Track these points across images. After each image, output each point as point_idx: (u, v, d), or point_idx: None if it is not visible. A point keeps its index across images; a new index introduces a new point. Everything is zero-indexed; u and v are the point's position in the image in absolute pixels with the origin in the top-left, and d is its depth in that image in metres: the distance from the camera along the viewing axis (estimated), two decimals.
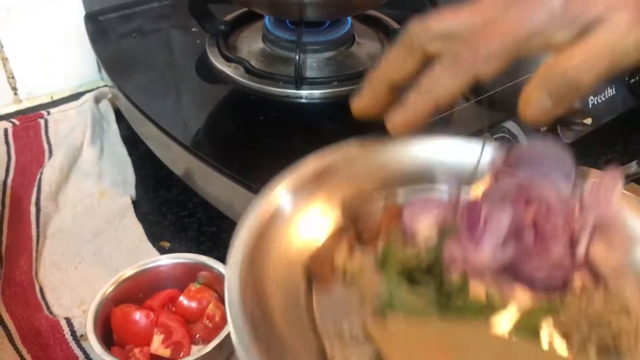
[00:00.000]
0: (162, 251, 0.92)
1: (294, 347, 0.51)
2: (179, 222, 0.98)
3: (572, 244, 0.57)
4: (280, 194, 0.60)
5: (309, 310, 0.56)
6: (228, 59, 1.00)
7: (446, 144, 0.68)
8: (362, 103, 0.65)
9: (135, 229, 0.95)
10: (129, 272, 0.78)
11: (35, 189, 0.99)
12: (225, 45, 1.04)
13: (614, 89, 0.97)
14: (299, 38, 0.94)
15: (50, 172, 1.02)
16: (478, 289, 0.57)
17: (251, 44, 1.06)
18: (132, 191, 1.02)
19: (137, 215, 0.98)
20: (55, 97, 1.29)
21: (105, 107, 1.19)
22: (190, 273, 0.80)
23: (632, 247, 0.58)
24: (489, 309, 0.55)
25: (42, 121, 1.17)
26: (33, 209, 0.95)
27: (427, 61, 0.60)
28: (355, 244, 0.62)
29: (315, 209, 0.63)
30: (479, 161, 0.64)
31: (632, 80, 0.99)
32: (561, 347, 0.53)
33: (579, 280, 0.57)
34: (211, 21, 1.04)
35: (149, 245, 0.93)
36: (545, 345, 0.52)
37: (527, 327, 0.53)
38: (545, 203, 0.57)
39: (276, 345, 0.50)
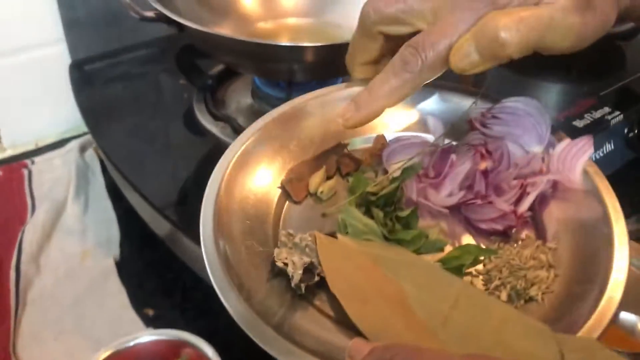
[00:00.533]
0: (146, 319, 0.93)
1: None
2: (164, 286, 0.98)
3: (520, 200, 0.65)
4: (254, 134, 0.70)
5: (275, 226, 0.66)
6: (215, 117, 1.03)
7: (441, 98, 0.77)
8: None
9: (118, 294, 0.96)
10: (109, 350, 0.76)
11: (16, 250, 1.01)
12: (213, 100, 1.08)
13: (612, 144, 1.01)
14: (289, 96, 0.98)
15: (32, 232, 1.04)
16: (424, 225, 0.66)
17: (240, 99, 1.10)
18: (116, 250, 1.04)
19: (121, 278, 0.99)
20: (40, 144, 1.34)
21: (91, 156, 1.21)
22: (172, 351, 0.78)
23: (582, 213, 0.64)
24: (428, 243, 0.63)
25: (25, 172, 1.19)
26: (13, 274, 0.96)
27: (391, 41, 0.68)
28: (333, 174, 0.73)
29: (294, 140, 0.73)
30: (466, 114, 0.73)
31: (631, 134, 1.02)
32: (478, 287, 0.61)
33: (522, 233, 0.66)
34: (199, 75, 1.05)
35: (132, 313, 0.93)
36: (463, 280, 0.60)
37: (454, 264, 0.61)
38: (506, 159, 0.67)
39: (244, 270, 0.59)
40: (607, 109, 0.96)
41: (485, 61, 0.59)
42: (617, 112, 0.95)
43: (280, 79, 1.03)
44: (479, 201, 0.65)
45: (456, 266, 0.61)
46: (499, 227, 0.65)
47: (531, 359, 0.49)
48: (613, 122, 0.94)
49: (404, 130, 0.77)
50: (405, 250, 0.61)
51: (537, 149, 0.68)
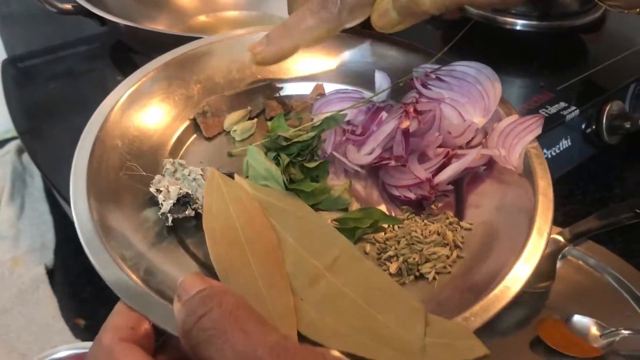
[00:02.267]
0: (77, 330, 0.89)
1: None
2: (97, 295, 0.93)
3: (439, 170, 0.61)
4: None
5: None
6: None
7: (396, 54, 0.74)
8: None
9: (49, 304, 0.93)
10: None
11: None
12: None
13: (569, 140, 0.98)
14: None
15: None
16: (334, 182, 0.63)
17: None
18: (50, 257, 1.00)
19: (53, 286, 0.95)
20: None
21: (29, 158, 1.15)
22: None
23: (510, 198, 0.60)
24: (330, 200, 0.60)
25: None
26: None
27: None
28: (256, 115, 0.70)
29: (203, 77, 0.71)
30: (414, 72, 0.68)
31: (588, 130, 1.00)
32: (370, 255, 0.57)
33: (437, 207, 0.62)
34: (134, 69, 1.01)
35: (62, 324, 0.90)
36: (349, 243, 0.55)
37: (350, 225, 0.58)
38: (437, 123, 0.62)
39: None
40: (563, 104, 0.92)
41: (403, 19, 0.61)
42: (574, 108, 0.91)
43: None
44: (392, 162, 0.60)
45: (351, 228, 0.57)
46: (411, 195, 0.60)
47: (391, 343, 0.47)
48: (569, 117, 0.91)
49: (347, 84, 0.73)
50: (302, 202, 0.58)
51: (479, 120, 0.64)
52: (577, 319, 0.73)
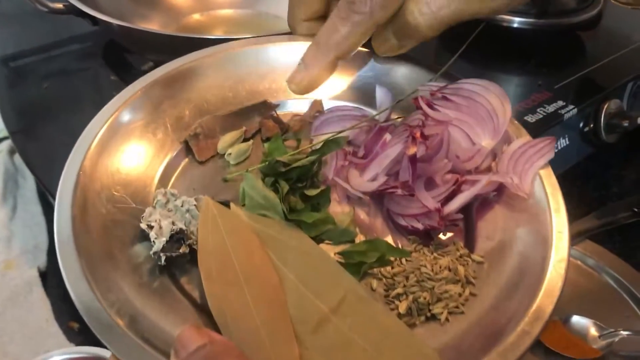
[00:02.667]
0: (71, 334, 0.84)
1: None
2: None
3: (450, 198, 0.56)
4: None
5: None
6: None
7: (398, 69, 0.68)
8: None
9: (42, 307, 0.87)
10: None
11: None
12: None
13: (567, 139, 0.95)
14: None
15: None
16: (337, 211, 0.58)
17: None
18: (43, 259, 0.95)
19: (46, 289, 0.89)
20: None
21: (21, 159, 1.09)
22: None
23: (523, 227, 0.55)
24: (334, 232, 0.55)
25: None
26: None
27: None
28: (251, 136, 0.65)
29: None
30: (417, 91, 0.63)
31: (587, 129, 0.95)
32: (377, 291, 0.52)
33: (449, 239, 0.56)
34: (129, 71, 0.95)
35: (55, 327, 0.84)
36: (359, 283, 0.51)
37: (355, 259, 0.53)
38: (444, 148, 0.56)
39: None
40: (560, 103, 0.89)
41: (404, 43, 0.60)
42: (572, 106, 0.88)
43: None
44: (399, 191, 0.55)
45: (356, 263, 0.52)
46: (419, 225, 0.55)
47: None
48: (567, 116, 0.87)
49: (347, 100, 0.68)
50: (304, 235, 0.53)
51: (487, 143, 0.58)
52: (576, 319, 0.70)
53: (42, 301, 0.88)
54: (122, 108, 0.59)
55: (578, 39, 1.11)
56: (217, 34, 1.03)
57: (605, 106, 0.91)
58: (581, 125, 0.93)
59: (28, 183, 1.08)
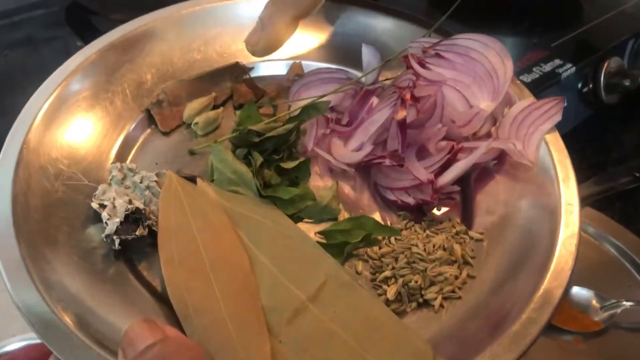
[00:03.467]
0: None
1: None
2: None
3: (444, 168, 0.50)
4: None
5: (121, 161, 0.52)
6: None
7: (386, 25, 0.62)
8: None
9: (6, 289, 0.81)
10: None
11: None
12: None
13: (565, 101, 0.85)
14: None
15: None
16: (317, 184, 0.52)
17: None
18: None
19: None
20: None
21: None
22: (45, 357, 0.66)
23: (528, 198, 0.49)
24: (315, 208, 0.49)
25: None
26: None
27: None
28: (221, 103, 0.58)
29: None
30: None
31: (585, 89, 0.91)
32: (363, 275, 0.47)
33: (444, 214, 0.51)
34: (94, 35, 0.87)
35: None
36: (342, 266, 0.46)
37: (338, 239, 0.47)
38: (438, 112, 0.50)
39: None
40: (558, 62, 0.85)
41: None
42: (569, 65, 0.84)
43: None
44: (387, 161, 0.50)
45: (339, 243, 0.47)
46: (410, 199, 0.49)
47: None
48: (564, 75, 0.83)
49: (329, 61, 0.62)
50: (280, 213, 0.48)
51: (487, 105, 0.52)
52: (576, 291, 0.67)
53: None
54: (73, 75, 0.53)
55: None
56: None
57: (605, 65, 0.87)
58: (580, 85, 0.89)
59: None
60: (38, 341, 0.67)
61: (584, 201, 0.74)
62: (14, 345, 0.69)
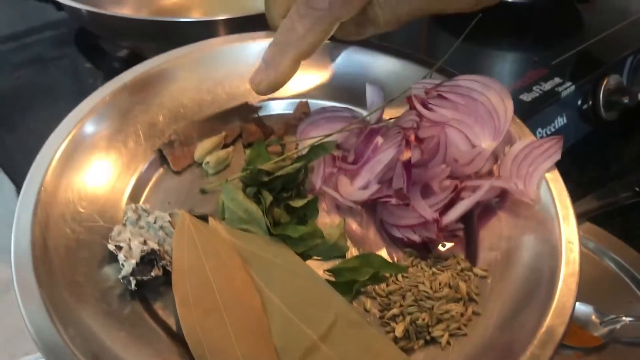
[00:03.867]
0: None
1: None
2: None
3: (449, 207, 0.50)
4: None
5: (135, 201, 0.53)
6: None
7: (389, 65, 0.63)
8: None
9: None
10: None
11: None
12: None
13: (564, 118, 0.92)
14: None
15: None
16: (325, 222, 0.53)
17: None
18: None
19: None
20: None
21: None
22: None
23: (530, 235, 0.50)
24: (323, 246, 0.50)
25: None
26: None
27: None
28: (231, 142, 0.60)
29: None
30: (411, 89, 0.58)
31: (585, 106, 0.91)
32: (371, 312, 0.47)
33: (448, 251, 0.51)
34: (103, 57, 0.89)
35: None
36: (351, 304, 0.47)
37: (347, 278, 0.48)
38: (442, 152, 0.52)
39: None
40: (557, 80, 0.85)
41: (361, 32, 0.58)
42: (569, 83, 0.84)
43: None
44: (393, 199, 0.51)
45: (348, 281, 0.48)
46: (415, 237, 0.50)
47: None
48: (564, 93, 0.83)
49: (335, 100, 0.63)
50: (289, 251, 0.49)
51: (488, 144, 0.53)
52: (576, 306, 0.66)
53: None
54: (86, 117, 0.54)
55: (575, 11, 1.07)
56: (195, 16, 0.97)
57: (605, 82, 0.87)
58: (579, 102, 0.89)
59: (7, 179, 1.04)
60: None
61: (584, 216, 0.75)
62: None
